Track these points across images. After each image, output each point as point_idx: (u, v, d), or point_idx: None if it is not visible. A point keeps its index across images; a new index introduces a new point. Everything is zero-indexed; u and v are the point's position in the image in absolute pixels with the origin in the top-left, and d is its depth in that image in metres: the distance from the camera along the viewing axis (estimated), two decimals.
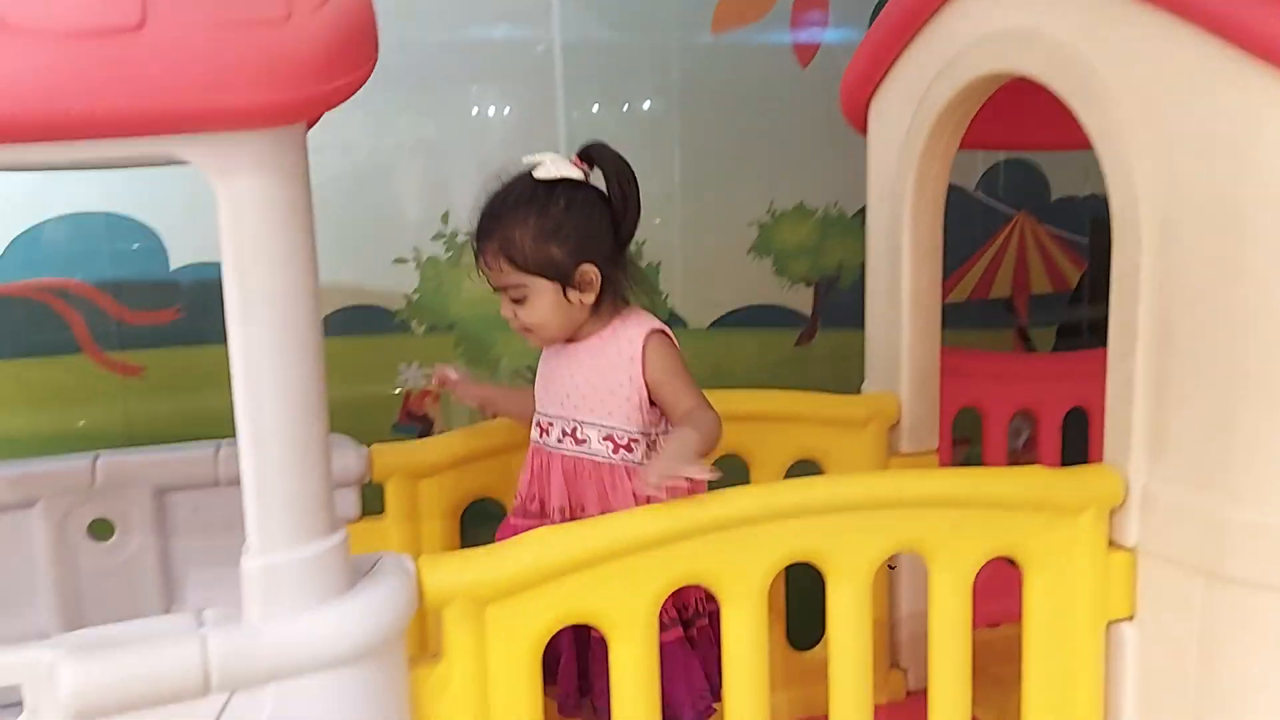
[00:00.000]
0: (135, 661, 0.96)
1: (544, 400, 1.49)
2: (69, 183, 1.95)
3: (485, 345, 2.27)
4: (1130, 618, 1.39)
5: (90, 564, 1.59)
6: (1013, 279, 2.71)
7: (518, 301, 1.41)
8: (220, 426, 1.82)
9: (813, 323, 2.49)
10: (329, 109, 0.98)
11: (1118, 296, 1.37)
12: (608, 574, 1.19)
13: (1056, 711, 1.42)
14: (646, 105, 2.32)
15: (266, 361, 1.00)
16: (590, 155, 1.41)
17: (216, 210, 0.98)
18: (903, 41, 1.77)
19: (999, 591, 1.52)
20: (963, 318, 2.59)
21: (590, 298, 1.40)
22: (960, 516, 1.34)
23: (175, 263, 2.02)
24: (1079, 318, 2.78)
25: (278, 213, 0.98)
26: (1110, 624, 1.40)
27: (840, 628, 1.32)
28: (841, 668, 1.33)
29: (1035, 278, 2.74)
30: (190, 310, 2.03)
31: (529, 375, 2.28)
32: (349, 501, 1.61)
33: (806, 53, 2.39)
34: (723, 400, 1.80)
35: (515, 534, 1.46)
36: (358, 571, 1.10)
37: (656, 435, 1.43)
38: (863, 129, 1.93)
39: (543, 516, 1.46)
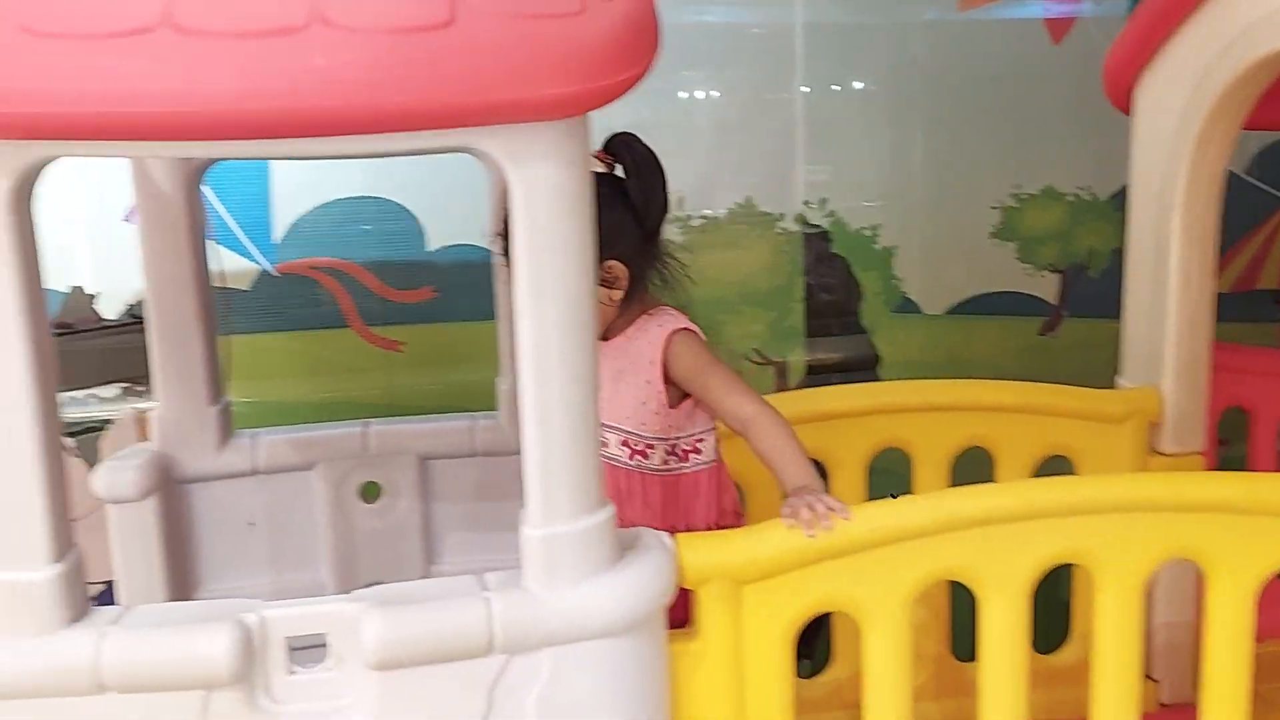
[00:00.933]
0: (429, 619, 1.03)
1: None
2: (340, 170, 2.09)
3: (713, 328, 2.28)
4: None
5: (361, 524, 1.71)
6: None
7: None
8: (471, 399, 1.94)
9: (1058, 311, 2.38)
10: (616, 99, 1.01)
11: None
12: (865, 563, 1.19)
13: None
14: (888, 85, 2.26)
15: (553, 339, 1.04)
16: (614, 147, 1.37)
17: (510, 197, 1.03)
18: (1180, 16, 1.65)
19: (1263, 604, 1.40)
20: (1223, 309, 2.39)
21: (618, 294, 1.37)
22: (1244, 524, 1.25)
23: (432, 244, 2.14)
24: None
25: (566, 199, 1.02)
26: None
27: (1106, 634, 1.26)
28: (1105, 675, 1.27)
29: None
30: (445, 289, 2.15)
31: (756, 358, 2.30)
32: None
33: (1060, 27, 2.27)
34: (968, 390, 1.77)
35: None
36: (621, 546, 1.13)
37: (677, 440, 1.40)
38: (1127, 109, 1.82)
39: None
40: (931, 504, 1.20)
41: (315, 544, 1.71)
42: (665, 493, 1.41)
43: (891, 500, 1.23)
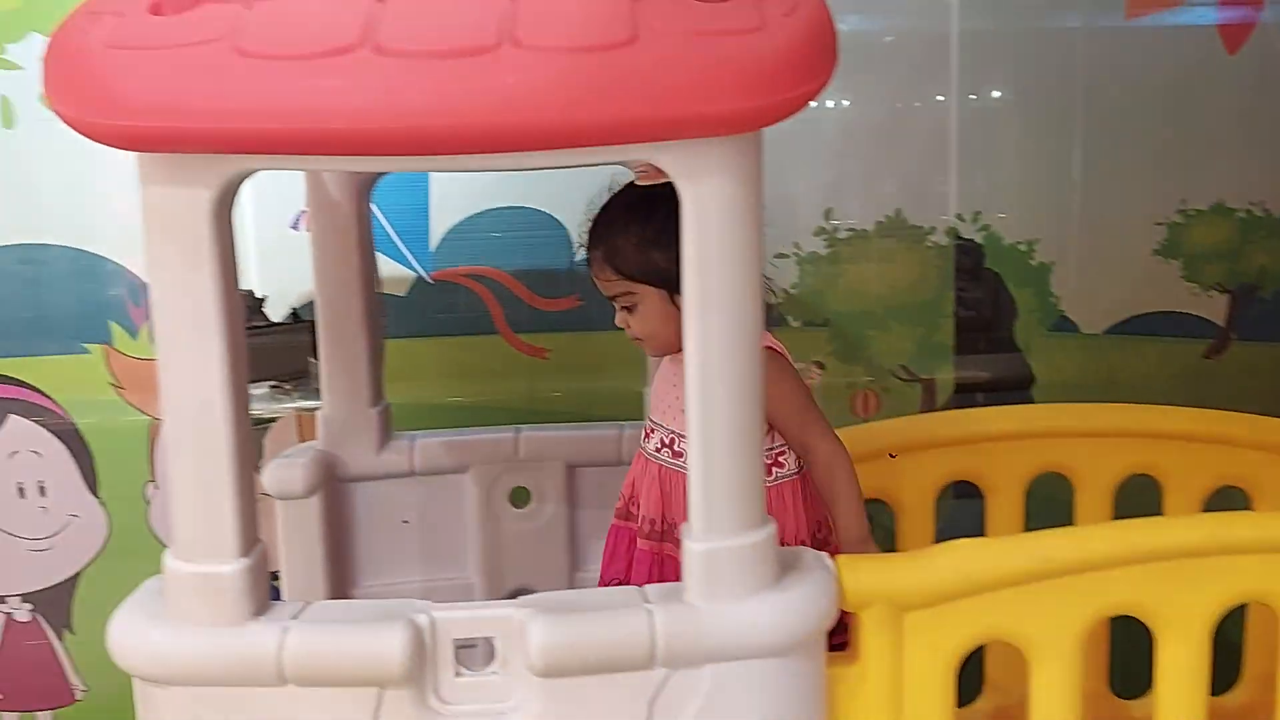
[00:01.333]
0: (594, 628, 1.04)
1: (652, 406, 1.47)
2: (493, 180, 2.14)
3: (859, 343, 2.25)
4: None
5: (510, 528, 1.75)
6: None
7: (628, 310, 1.39)
8: (612, 407, 1.96)
9: (1225, 334, 2.25)
10: (792, 114, 1.00)
11: None
12: (1036, 594, 1.15)
13: None
14: (1047, 94, 2.19)
15: (720, 352, 1.04)
16: None
17: (681, 211, 1.03)
18: None
19: None
20: None
21: None
22: None
23: (581, 254, 2.16)
24: None
25: (738, 213, 1.02)
26: None
27: None
28: None
29: None
30: (590, 298, 2.17)
31: (903, 375, 2.25)
32: None
33: (1237, 35, 2.15)
34: (1136, 415, 1.70)
35: (618, 537, 1.47)
36: (781, 564, 1.12)
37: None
38: None
39: (629, 520, 1.44)
40: (1111, 535, 1.16)
41: (464, 545, 1.75)
42: None
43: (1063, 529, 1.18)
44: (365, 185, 1.64)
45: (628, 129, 0.95)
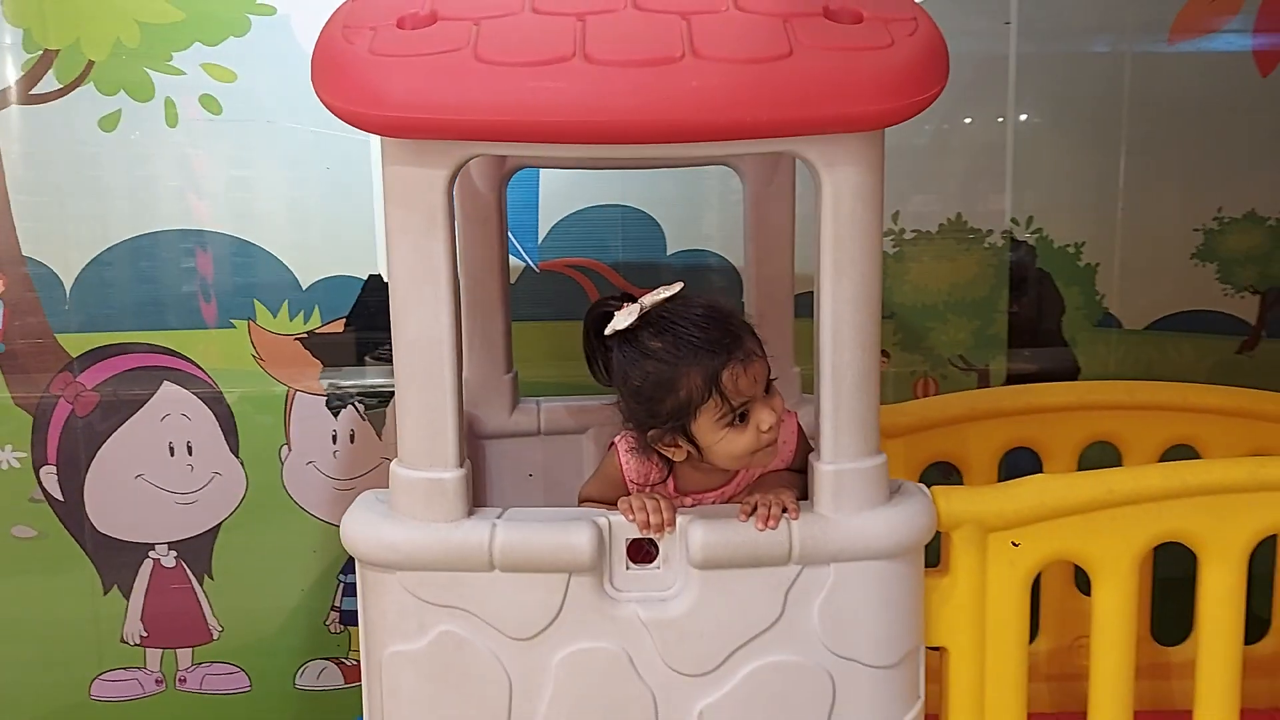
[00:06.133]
0: (744, 529, 1.27)
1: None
2: (594, 180, 2.38)
3: (921, 334, 2.47)
4: None
5: None
6: None
7: (770, 397, 1.35)
8: None
9: (1256, 332, 2.47)
10: (917, 114, 1.24)
11: None
12: (1100, 521, 1.37)
13: None
14: (1095, 112, 2.42)
15: (848, 311, 1.27)
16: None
17: (816, 196, 1.27)
18: None
19: None
20: None
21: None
22: None
23: (671, 248, 2.41)
24: None
25: (865, 197, 1.26)
26: None
27: None
28: None
29: None
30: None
31: (960, 364, 2.47)
32: None
33: (1269, 60, 2.38)
34: (1176, 392, 1.92)
35: None
36: (889, 489, 1.35)
37: None
38: None
39: None
40: (1165, 471, 1.38)
41: None
42: None
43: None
44: (505, 178, 1.88)
45: (785, 125, 1.19)
